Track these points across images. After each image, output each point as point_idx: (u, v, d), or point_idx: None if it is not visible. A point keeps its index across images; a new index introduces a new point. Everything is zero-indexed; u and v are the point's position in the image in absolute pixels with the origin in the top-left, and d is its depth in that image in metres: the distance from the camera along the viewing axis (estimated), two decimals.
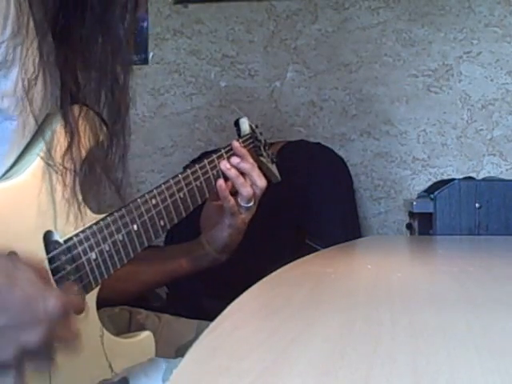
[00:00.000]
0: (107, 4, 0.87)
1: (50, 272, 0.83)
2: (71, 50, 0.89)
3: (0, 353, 0.67)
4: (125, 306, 1.23)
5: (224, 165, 1.21)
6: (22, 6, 0.79)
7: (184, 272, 1.26)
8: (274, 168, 1.39)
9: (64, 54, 0.89)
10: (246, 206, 1.22)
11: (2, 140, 0.82)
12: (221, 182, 1.20)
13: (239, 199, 1.22)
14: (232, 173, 1.21)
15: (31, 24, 0.81)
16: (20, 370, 0.70)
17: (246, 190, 1.21)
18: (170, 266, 1.25)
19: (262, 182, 1.23)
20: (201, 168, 1.17)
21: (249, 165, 1.23)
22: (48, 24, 0.85)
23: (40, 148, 0.86)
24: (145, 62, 2.33)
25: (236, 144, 1.25)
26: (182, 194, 1.10)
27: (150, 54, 2.35)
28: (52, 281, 0.81)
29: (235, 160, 1.23)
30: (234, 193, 1.23)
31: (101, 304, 0.95)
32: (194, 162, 1.42)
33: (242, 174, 1.22)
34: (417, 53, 2.25)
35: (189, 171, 1.14)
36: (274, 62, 2.32)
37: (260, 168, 1.27)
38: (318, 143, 2.20)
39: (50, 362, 0.72)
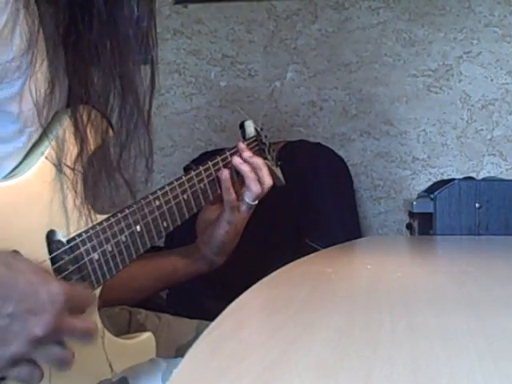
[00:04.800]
0: (114, 10, 0.87)
1: (52, 271, 0.83)
2: (80, 58, 0.89)
3: (12, 344, 0.68)
4: (124, 306, 1.23)
5: (237, 160, 1.21)
6: (33, 21, 0.80)
7: (180, 276, 1.24)
8: (278, 171, 1.39)
9: (73, 61, 0.90)
10: (251, 203, 1.22)
11: (7, 140, 0.83)
12: (226, 172, 1.19)
13: (246, 196, 1.21)
14: (246, 167, 1.21)
15: (42, 37, 0.82)
16: (33, 360, 0.71)
17: (256, 187, 1.21)
18: (163, 271, 1.23)
19: (269, 181, 1.23)
20: (205, 170, 1.16)
21: (261, 160, 1.24)
22: (59, 36, 0.86)
23: (45, 148, 0.86)
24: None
25: (242, 145, 1.25)
26: (185, 196, 1.09)
27: None
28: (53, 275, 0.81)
29: (247, 154, 1.23)
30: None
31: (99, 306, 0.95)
32: (194, 162, 1.42)
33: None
34: (417, 53, 2.24)
35: (193, 173, 1.13)
36: (274, 62, 2.32)
37: None
38: (318, 143, 2.20)
39: (64, 355, 0.73)
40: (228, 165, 1.21)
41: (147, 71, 0.94)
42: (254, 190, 1.21)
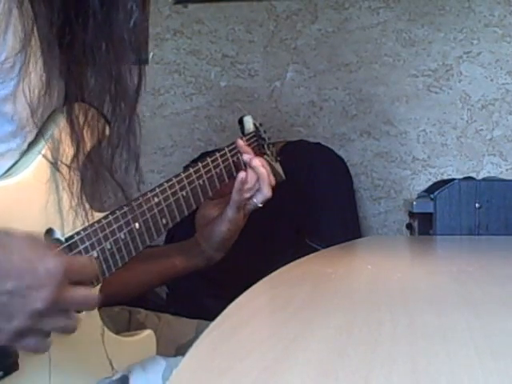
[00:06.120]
0: (109, 11, 0.87)
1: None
2: (75, 59, 0.89)
3: (15, 318, 0.70)
4: (124, 305, 1.23)
5: (257, 161, 1.22)
6: (27, 21, 0.80)
7: (178, 271, 1.24)
8: (278, 166, 1.39)
9: (68, 62, 0.90)
10: (259, 205, 1.23)
11: (2, 140, 0.83)
12: (243, 174, 1.20)
13: (256, 197, 1.22)
14: (264, 170, 1.22)
15: (36, 37, 0.82)
16: (38, 333, 0.73)
17: (269, 192, 1.22)
18: (162, 266, 1.23)
19: (273, 184, 1.25)
20: (204, 167, 1.16)
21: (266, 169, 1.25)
22: (53, 37, 0.86)
23: (42, 146, 0.86)
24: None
25: (240, 142, 1.25)
26: (184, 193, 1.09)
27: (150, 54, 2.35)
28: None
29: (259, 162, 1.23)
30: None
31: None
32: (194, 162, 1.42)
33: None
34: (417, 53, 2.25)
35: (191, 170, 1.13)
36: (274, 62, 2.32)
37: None
38: (318, 143, 2.20)
39: (68, 323, 0.75)
40: (226, 161, 1.21)
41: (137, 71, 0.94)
42: (265, 193, 1.22)
